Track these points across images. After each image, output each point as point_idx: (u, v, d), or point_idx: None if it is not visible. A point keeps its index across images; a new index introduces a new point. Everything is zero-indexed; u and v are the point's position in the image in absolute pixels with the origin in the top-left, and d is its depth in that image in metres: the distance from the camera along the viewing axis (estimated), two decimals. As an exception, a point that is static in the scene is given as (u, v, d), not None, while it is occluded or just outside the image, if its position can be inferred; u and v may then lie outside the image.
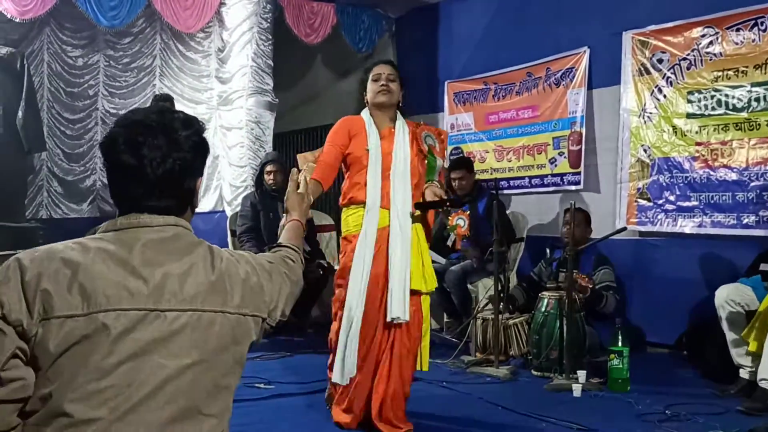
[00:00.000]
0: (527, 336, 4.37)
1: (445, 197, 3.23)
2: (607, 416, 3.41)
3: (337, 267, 5.73)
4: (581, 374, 3.90)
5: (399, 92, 3.28)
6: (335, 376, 3.08)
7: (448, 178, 5.20)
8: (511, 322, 4.41)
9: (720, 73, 4.59)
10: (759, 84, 4.40)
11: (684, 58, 4.76)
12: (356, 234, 3.14)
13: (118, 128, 1.39)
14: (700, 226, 4.69)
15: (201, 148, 1.45)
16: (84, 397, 1.24)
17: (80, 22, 6.42)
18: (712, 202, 4.63)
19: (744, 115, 4.47)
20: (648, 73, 4.97)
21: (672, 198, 4.85)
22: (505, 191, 5.94)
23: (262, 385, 3.89)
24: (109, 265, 1.31)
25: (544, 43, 5.71)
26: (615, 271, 4.62)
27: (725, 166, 4.56)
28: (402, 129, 3.24)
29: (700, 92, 4.69)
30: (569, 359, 3.99)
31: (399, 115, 3.30)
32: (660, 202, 4.91)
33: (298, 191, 2.02)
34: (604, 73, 5.30)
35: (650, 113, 4.97)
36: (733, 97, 4.52)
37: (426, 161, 3.25)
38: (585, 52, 5.42)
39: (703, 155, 4.67)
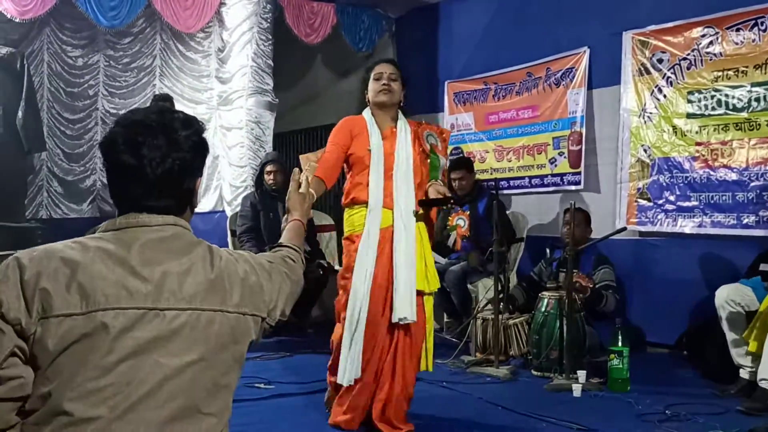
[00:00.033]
0: (527, 336, 4.36)
1: (449, 194, 3.22)
2: (607, 416, 3.41)
3: (337, 267, 5.80)
4: (581, 374, 3.90)
5: (401, 92, 3.26)
6: (339, 377, 3.05)
7: (448, 179, 5.20)
8: (511, 322, 4.41)
9: (720, 73, 4.59)
10: (759, 84, 4.40)
11: (684, 58, 4.76)
12: (359, 234, 3.12)
13: (117, 128, 1.40)
14: (700, 226, 4.69)
15: (200, 148, 1.45)
16: (83, 395, 1.24)
17: (80, 22, 6.43)
18: (712, 202, 4.63)
19: (744, 115, 4.47)
20: (648, 73, 4.97)
21: (672, 198, 4.85)
22: (505, 191, 5.94)
23: (262, 385, 3.89)
24: (108, 265, 1.31)
25: (544, 43, 5.71)
26: (615, 270, 4.62)
27: (725, 166, 4.56)
28: (404, 128, 3.23)
29: (700, 92, 4.69)
30: (569, 359, 3.99)
31: (401, 115, 3.28)
32: (660, 202, 4.91)
33: (300, 191, 2.02)
34: (604, 73, 5.30)
35: (650, 113, 4.97)
36: (733, 97, 4.52)
37: (429, 160, 3.25)
38: (585, 52, 5.42)
39: (703, 155, 4.67)
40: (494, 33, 6.19)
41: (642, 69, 5.01)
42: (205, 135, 1.48)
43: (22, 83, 6.13)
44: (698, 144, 4.70)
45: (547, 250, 4.84)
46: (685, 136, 4.77)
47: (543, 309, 4.29)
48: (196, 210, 1.55)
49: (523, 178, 5.93)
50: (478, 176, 5.82)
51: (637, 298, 5.07)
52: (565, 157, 5.58)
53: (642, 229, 5.04)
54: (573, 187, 5.51)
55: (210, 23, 6.26)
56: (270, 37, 6.21)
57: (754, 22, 4.40)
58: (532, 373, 4.25)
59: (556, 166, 5.65)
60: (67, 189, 6.96)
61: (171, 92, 6.27)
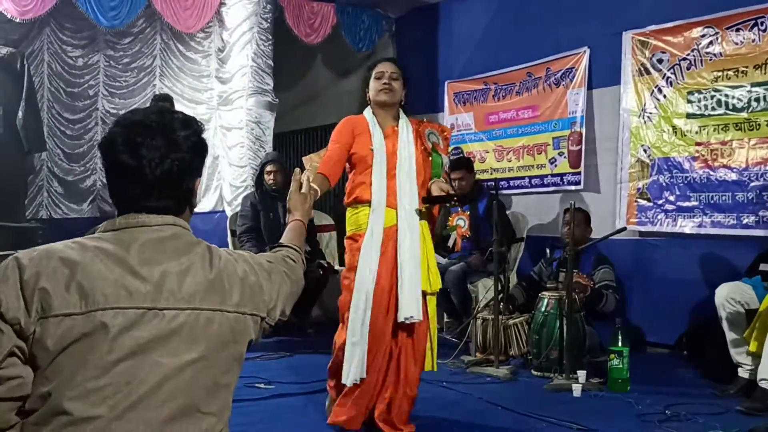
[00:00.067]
0: (527, 336, 4.37)
1: (452, 191, 3.20)
2: (607, 416, 3.41)
3: (337, 267, 5.80)
4: (581, 374, 3.90)
5: (402, 91, 3.24)
6: (344, 378, 3.01)
7: (448, 178, 5.20)
8: (511, 322, 4.41)
9: (720, 73, 4.59)
10: (759, 84, 4.40)
11: (684, 58, 4.76)
12: (362, 233, 3.09)
13: (116, 128, 1.40)
14: (700, 226, 4.69)
15: (200, 149, 1.46)
16: (83, 395, 1.24)
17: (80, 22, 6.43)
18: (712, 202, 4.63)
19: (744, 115, 4.47)
20: (648, 73, 4.97)
21: (672, 198, 4.85)
22: (505, 191, 5.94)
23: (262, 385, 3.89)
24: (107, 264, 1.31)
25: (544, 43, 5.71)
26: (615, 270, 4.62)
27: (725, 166, 4.56)
28: (406, 127, 3.21)
29: (700, 92, 4.69)
30: (569, 359, 3.99)
31: (402, 114, 3.27)
32: (660, 202, 4.91)
33: (301, 191, 2.02)
34: (604, 73, 5.30)
35: (650, 113, 4.97)
36: (733, 97, 4.52)
37: (431, 159, 3.24)
38: (585, 52, 5.42)
39: (703, 155, 4.67)
40: (494, 33, 6.19)
41: (642, 69, 5.01)
42: (205, 135, 1.49)
43: (23, 83, 6.14)
44: (698, 144, 4.70)
45: (547, 250, 4.84)
46: (685, 136, 4.77)
47: (543, 309, 4.29)
48: (196, 210, 1.55)
49: (523, 178, 5.93)
50: (478, 176, 5.82)
51: (637, 298, 5.07)
52: (565, 157, 5.58)
53: (642, 229, 5.04)
54: (573, 187, 5.51)
55: (210, 23, 6.26)
56: (270, 37, 6.21)
57: (754, 22, 4.40)
58: (532, 373, 4.25)
59: (556, 166, 5.65)
60: (67, 189, 6.97)
61: (171, 92, 6.28)
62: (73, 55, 6.89)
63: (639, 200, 5.03)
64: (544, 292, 4.40)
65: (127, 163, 1.37)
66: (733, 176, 4.52)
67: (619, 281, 4.74)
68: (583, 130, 5.43)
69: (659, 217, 4.91)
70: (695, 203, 4.71)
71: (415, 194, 3.12)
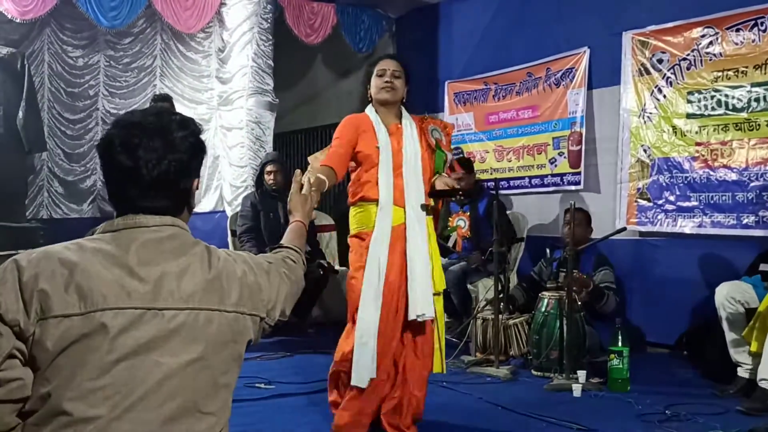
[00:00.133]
0: (527, 336, 4.37)
1: (457, 186, 3.18)
2: (607, 416, 3.41)
3: (337, 267, 5.80)
4: (581, 374, 3.90)
5: (404, 89, 3.21)
6: (354, 379, 2.95)
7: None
8: (511, 322, 4.42)
9: (720, 74, 4.59)
10: (759, 84, 4.40)
11: (684, 59, 4.76)
12: (369, 231, 3.04)
13: (114, 129, 1.40)
14: (700, 226, 4.69)
15: (197, 149, 1.46)
16: (83, 395, 1.24)
17: (81, 22, 6.43)
18: (712, 202, 4.63)
19: (744, 115, 4.47)
20: (648, 73, 4.97)
21: (672, 198, 4.85)
22: (505, 191, 5.94)
23: (262, 385, 3.89)
24: (106, 265, 1.32)
25: (544, 43, 5.71)
26: (615, 271, 4.62)
27: (725, 167, 4.56)
28: (409, 125, 3.18)
29: (700, 92, 4.69)
30: (569, 359, 3.99)
31: (405, 112, 3.24)
32: (660, 202, 4.91)
33: (302, 192, 2.02)
34: (604, 73, 5.30)
35: (650, 113, 4.97)
36: (733, 98, 4.52)
37: (435, 155, 3.22)
38: (585, 52, 5.42)
39: (703, 155, 4.67)
40: (494, 33, 6.19)
41: (642, 69, 5.01)
42: (205, 135, 1.49)
43: (23, 83, 6.14)
44: (698, 144, 4.70)
45: (547, 250, 4.84)
46: (685, 136, 4.77)
47: (543, 309, 4.29)
48: (197, 210, 1.55)
49: (523, 178, 5.93)
50: (478, 176, 5.83)
51: (637, 298, 5.07)
52: (565, 157, 5.58)
53: (642, 229, 5.04)
54: (573, 187, 5.51)
55: (210, 23, 6.27)
56: (270, 37, 6.22)
57: (754, 22, 4.40)
58: (532, 373, 4.25)
59: (556, 166, 5.65)
60: (67, 189, 6.96)
61: (171, 92, 6.28)
62: (74, 56, 6.89)
63: (639, 200, 5.04)
64: (544, 293, 4.40)
65: (125, 164, 1.37)
66: (733, 176, 4.52)
67: (619, 281, 4.74)
68: (583, 130, 5.43)
69: (659, 217, 4.91)
70: (695, 203, 4.71)
71: (421, 191, 3.09)
